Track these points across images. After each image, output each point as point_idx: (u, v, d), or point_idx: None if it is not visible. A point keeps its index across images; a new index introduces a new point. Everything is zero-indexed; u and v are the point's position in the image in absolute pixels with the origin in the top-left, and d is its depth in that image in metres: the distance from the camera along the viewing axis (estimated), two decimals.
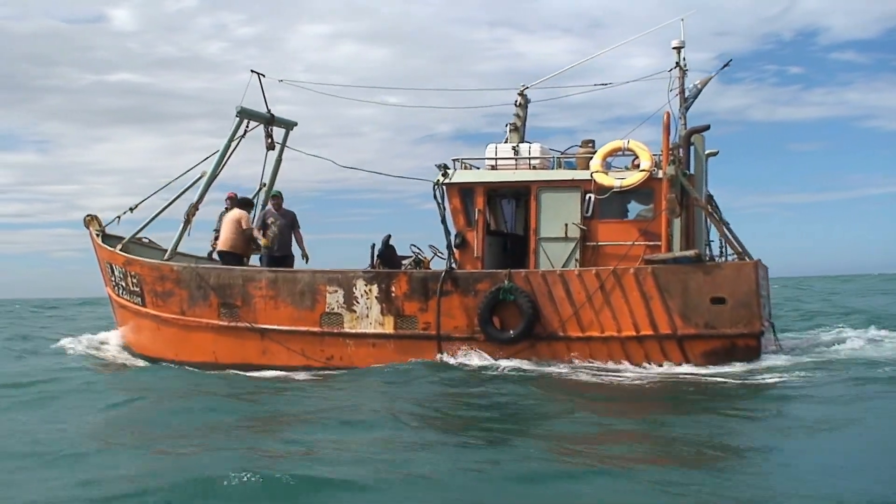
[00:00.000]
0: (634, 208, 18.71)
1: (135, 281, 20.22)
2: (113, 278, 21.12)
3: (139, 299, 20.23)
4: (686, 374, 16.21)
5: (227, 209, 21.39)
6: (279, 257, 19.66)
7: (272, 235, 19.66)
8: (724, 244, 19.64)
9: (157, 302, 19.82)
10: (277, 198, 20.21)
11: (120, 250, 20.92)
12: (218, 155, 20.47)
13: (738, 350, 16.67)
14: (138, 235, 22.01)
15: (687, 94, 18.62)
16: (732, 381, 15.20)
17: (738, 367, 16.23)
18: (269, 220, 19.76)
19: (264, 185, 22.07)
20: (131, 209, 21.83)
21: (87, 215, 22.40)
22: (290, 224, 19.92)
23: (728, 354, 16.65)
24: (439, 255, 19.11)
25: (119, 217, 21.90)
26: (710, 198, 20.20)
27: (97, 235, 21.75)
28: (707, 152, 20.13)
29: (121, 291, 20.89)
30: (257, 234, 19.82)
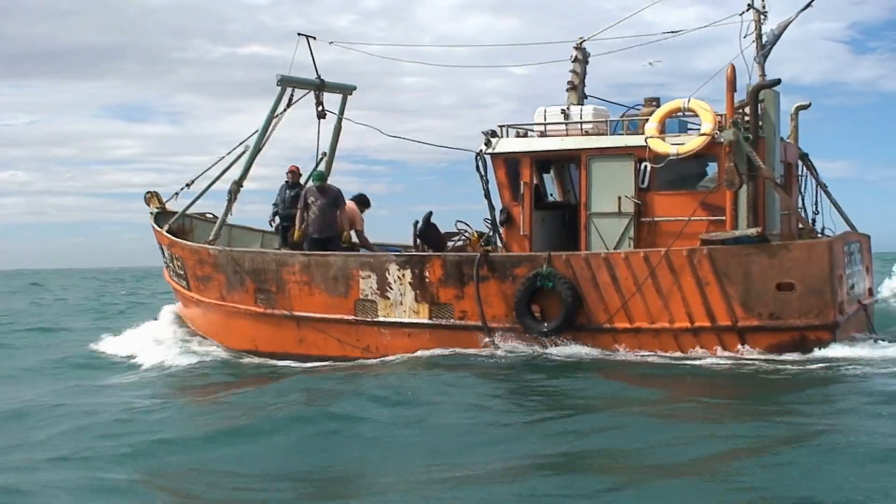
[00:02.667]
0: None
1: (179, 264, 19.37)
2: (165, 260, 20.37)
3: (185, 283, 19.39)
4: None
5: (287, 182, 20.16)
6: (320, 240, 18.05)
7: (313, 217, 18.15)
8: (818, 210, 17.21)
9: (199, 286, 18.92)
10: (319, 179, 18.65)
11: (175, 229, 20.07)
12: (260, 128, 19.25)
13: (808, 344, 14.29)
14: (203, 213, 21.26)
15: (764, 40, 16.04)
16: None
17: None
18: (310, 200, 18.19)
19: (324, 154, 20.75)
20: (188, 185, 20.89)
21: (148, 192, 21.60)
22: (332, 203, 18.24)
23: (797, 349, 14.29)
24: (465, 233, 17.53)
25: (177, 193, 21.04)
26: (804, 157, 17.63)
27: (153, 214, 20.93)
28: (796, 105, 17.56)
29: (172, 274, 20.12)
30: (298, 224, 18.39)
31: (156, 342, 19.63)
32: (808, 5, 16.03)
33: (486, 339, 15.94)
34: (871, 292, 17.33)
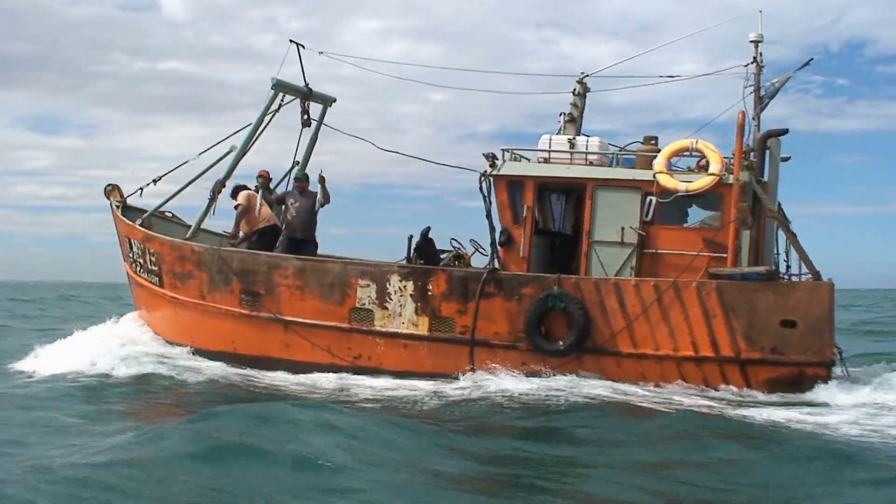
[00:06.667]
0: (695, 214, 17.16)
1: (153, 259, 18.85)
2: (131, 254, 19.77)
3: (157, 279, 18.87)
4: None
5: (256, 188, 20.03)
6: (297, 241, 18.17)
7: (290, 218, 18.24)
8: (789, 259, 18.16)
9: (175, 283, 18.45)
10: (302, 181, 18.72)
11: (141, 225, 19.52)
12: (250, 129, 19.04)
13: (806, 380, 15.12)
14: (162, 210, 20.69)
15: (763, 92, 17.06)
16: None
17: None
18: (290, 202, 18.32)
19: (297, 162, 20.64)
20: (154, 181, 20.42)
21: (108, 185, 20.97)
22: (312, 206, 18.33)
23: (794, 384, 15.12)
24: (481, 251, 17.68)
25: (142, 189, 20.50)
26: (778, 206, 18.63)
27: (117, 207, 20.36)
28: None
29: (138, 269, 19.53)
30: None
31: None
32: (807, 64, 17.14)
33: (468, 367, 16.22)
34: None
